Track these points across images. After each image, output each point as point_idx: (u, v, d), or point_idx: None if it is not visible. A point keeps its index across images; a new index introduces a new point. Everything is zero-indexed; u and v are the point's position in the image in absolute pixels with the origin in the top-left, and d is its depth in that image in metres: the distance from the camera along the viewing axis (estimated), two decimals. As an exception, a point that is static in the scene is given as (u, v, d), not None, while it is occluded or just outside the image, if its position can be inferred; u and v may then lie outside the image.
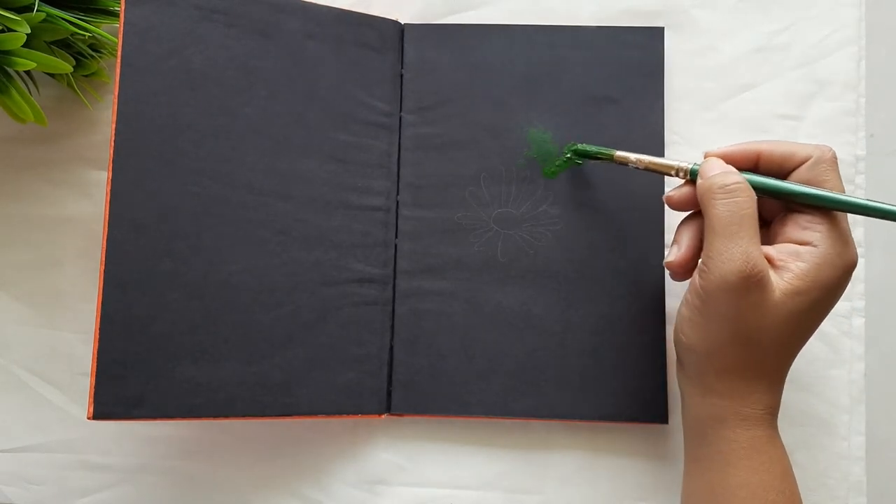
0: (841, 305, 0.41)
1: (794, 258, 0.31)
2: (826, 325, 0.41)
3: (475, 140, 0.41)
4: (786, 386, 0.40)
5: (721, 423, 0.33)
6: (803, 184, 0.32)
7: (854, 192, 0.42)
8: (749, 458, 0.32)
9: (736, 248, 0.31)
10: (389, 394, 0.39)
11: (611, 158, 0.38)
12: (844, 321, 0.41)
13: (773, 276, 0.31)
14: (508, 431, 0.41)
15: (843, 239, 0.32)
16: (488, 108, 0.41)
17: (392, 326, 0.40)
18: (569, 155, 0.40)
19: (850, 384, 0.40)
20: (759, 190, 0.33)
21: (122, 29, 0.36)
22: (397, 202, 0.41)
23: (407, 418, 0.40)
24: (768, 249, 0.32)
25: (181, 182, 0.36)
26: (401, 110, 0.41)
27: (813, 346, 0.41)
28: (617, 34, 0.41)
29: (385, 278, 0.40)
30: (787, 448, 0.40)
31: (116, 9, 0.40)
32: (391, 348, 0.40)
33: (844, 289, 0.32)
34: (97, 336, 0.34)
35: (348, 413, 0.38)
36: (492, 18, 0.43)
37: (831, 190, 0.32)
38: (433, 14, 0.44)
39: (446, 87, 0.41)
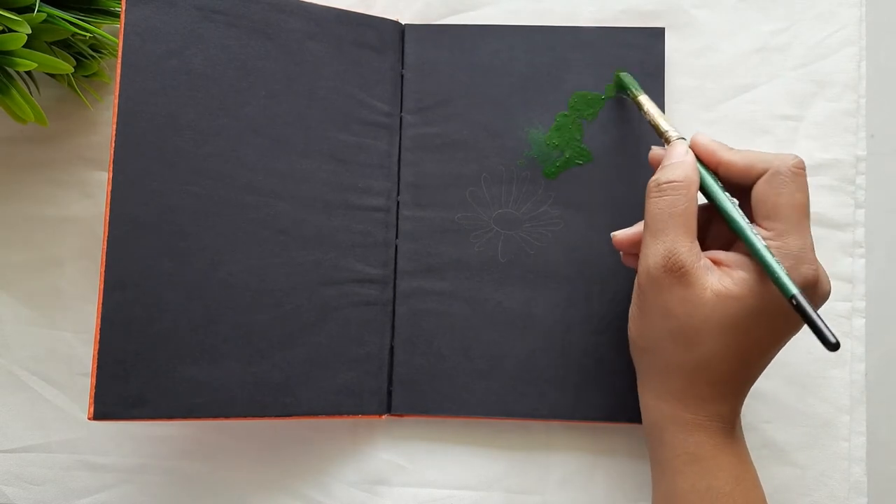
0: (841, 305, 0.41)
1: (738, 266, 0.31)
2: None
3: (475, 140, 0.41)
4: (786, 386, 0.40)
5: (665, 428, 0.33)
6: (759, 197, 0.32)
7: (854, 192, 0.42)
8: (696, 464, 0.32)
9: (660, 244, 0.31)
10: (389, 394, 0.39)
11: (635, 97, 0.38)
12: (845, 321, 0.41)
13: (711, 277, 0.31)
14: (508, 432, 0.41)
15: (797, 258, 0.30)
16: (488, 109, 0.41)
17: (392, 326, 0.40)
18: (616, 78, 0.41)
19: (851, 385, 0.40)
20: (704, 192, 0.33)
21: (122, 29, 0.36)
22: (397, 202, 0.41)
23: (407, 418, 0.40)
24: (719, 254, 0.32)
25: (181, 182, 0.36)
26: (401, 110, 0.41)
27: (813, 347, 0.41)
28: (617, 34, 0.41)
29: (385, 278, 0.40)
30: (787, 448, 0.40)
31: (117, 9, 0.40)
32: (391, 348, 0.40)
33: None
34: (97, 336, 0.34)
35: (348, 413, 0.38)
36: (492, 19, 0.43)
37: (783, 205, 0.31)
38: (433, 14, 0.44)
39: (447, 88, 0.41)
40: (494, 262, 0.40)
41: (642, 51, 0.41)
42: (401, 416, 0.39)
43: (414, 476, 0.40)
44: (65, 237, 0.42)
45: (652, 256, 0.32)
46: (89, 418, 0.34)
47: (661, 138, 0.36)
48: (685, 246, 0.31)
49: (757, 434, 0.40)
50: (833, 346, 0.27)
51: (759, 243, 0.30)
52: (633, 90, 0.39)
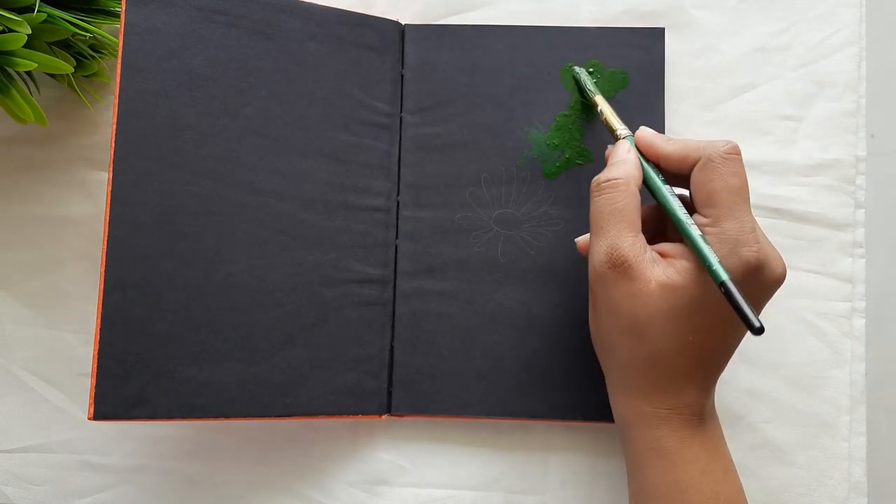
0: (841, 306, 0.41)
1: (681, 256, 0.31)
2: (826, 326, 0.41)
3: (475, 140, 0.41)
4: (786, 386, 0.40)
5: (631, 423, 0.33)
6: (694, 186, 0.32)
7: (854, 192, 0.42)
8: (662, 458, 0.32)
9: (603, 241, 0.32)
10: (390, 394, 0.39)
11: (590, 98, 0.39)
12: (845, 321, 0.41)
13: (656, 269, 0.31)
14: (508, 432, 0.41)
15: (735, 241, 0.30)
16: (489, 109, 0.41)
17: (392, 327, 0.40)
18: (570, 71, 0.41)
19: (851, 385, 0.40)
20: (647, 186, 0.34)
21: (122, 29, 0.36)
22: (398, 203, 0.41)
23: (407, 418, 0.40)
24: (665, 246, 0.33)
25: (181, 182, 0.36)
26: (401, 111, 0.41)
27: (813, 347, 0.41)
28: (617, 35, 0.41)
29: (385, 279, 0.40)
30: (787, 448, 0.40)
31: (117, 9, 0.40)
32: (391, 349, 0.40)
33: (758, 296, 0.31)
34: (97, 336, 0.34)
35: (348, 413, 0.38)
36: (492, 19, 0.43)
37: (717, 190, 0.31)
38: (433, 15, 0.44)
39: (447, 88, 0.41)
40: (494, 262, 0.40)
41: (642, 51, 0.41)
42: (401, 416, 0.39)
43: (414, 476, 0.40)
44: (65, 237, 0.42)
45: (597, 254, 0.32)
46: (89, 418, 0.34)
47: (613, 136, 0.37)
48: (627, 240, 0.31)
49: (757, 434, 0.40)
50: (757, 331, 0.28)
51: (694, 231, 0.31)
52: (589, 90, 0.39)
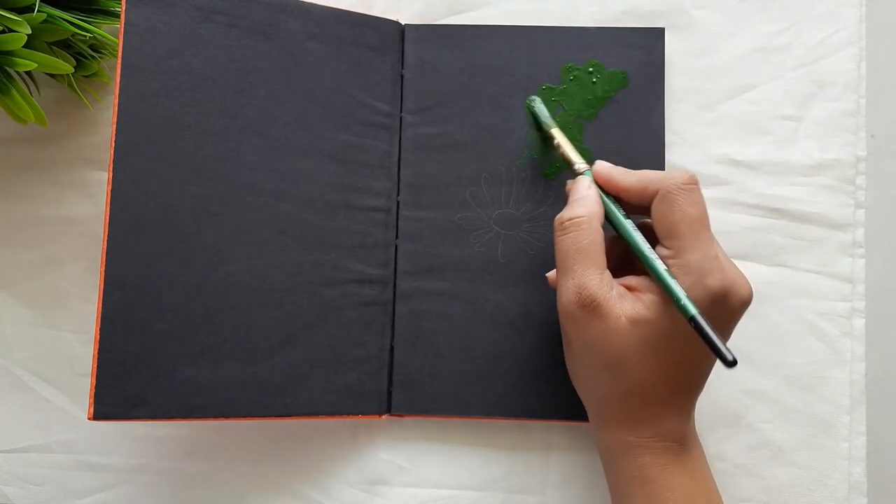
0: (841, 306, 0.41)
1: (648, 289, 0.32)
2: (826, 326, 0.41)
3: (475, 140, 0.41)
4: (786, 386, 0.40)
5: (614, 454, 0.34)
6: (655, 218, 0.32)
7: (854, 192, 0.42)
8: (646, 486, 0.32)
9: (570, 281, 0.32)
10: (389, 394, 0.39)
11: (548, 130, 0.38)
12: (845, 322, 0.41)
13: (625, 304, 0.31)
14: (508, 432, 0.41)
15: (700, 272, 0.30)
16: (488, 109, 0.41)
17: (392, 327, 0.40)
18: (528, 103, 0.40)
19: (851, 385, 0.40)
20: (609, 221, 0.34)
21: (122, 29, 0.36)
22: (398, 203, 0.41)
23: (407, 418, 0.40)
24: (631, 279, 0.33)
25: (181, 182, 0.36)
26: (401, 111, 0.41)
27: (813, 347, 0.41)
28: (617, 35, 0.41)
29: (385, 279, 0.40)
30: (787, 448, 0.40)
31: (117, 9, 0.40)
32: (391, 349, 0.40)
33: (726, 322, 0.32)
34: (97, 336, 0.34)
35: (348, 413, 0.38)
36: (492, 19, 0.43)
37: (677, 222, 0.31)
38: (434, 15, 0.44)
39: (447, 88, 0.41)
40: (494, 262, 0.40)
41: (642, 51, 0.41)
42: (401, 416, 0.39)
43: (414, 476, 0.40)
44: (65, 237, 0.42)
45: (565, 294, 0.32)
46: (89, 418, 0.34)
47: (571, 171, 0.36)
48: (594, 279, 0.31)
49: (757, 434, 0.40)
50: (730, 364, 0.28)
51: (659, 266, 0.31)
52: (545, 123, 0.39)
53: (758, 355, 0.41)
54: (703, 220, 0.31)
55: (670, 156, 0.42)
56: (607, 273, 0.32)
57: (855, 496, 0.40)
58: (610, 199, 0.34)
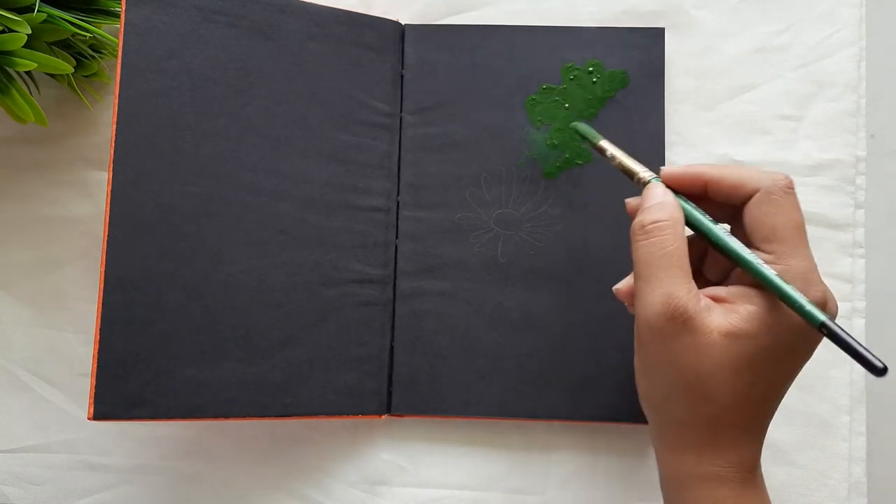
0: (841, 306, 0.41)
1: (743, 300, 0.29)
2: (826, 326, 0.41)
3: (475, 141, 0.41)
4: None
5: (683, 484, 0.31)
6: (754, 220, 0.30)
7: (854, 192, 0.42)
8: None
9: (656, 290, 0.29)
10: (389, 394, 0.39)
11: (594, 144, 0.36)
12: (845, 322, 0.41)
13: (715, 317, 0.28)
14: (508, 432, 0.41)
15: (804, 281, 0.28)
16: (488, 109, 0.41)
17: (392, 327, 0.40)
18: (573, 130, 0.39)
19: (851, 385, 0.40)
20: (692, 227, 0.31)
21: (122, 29, 0.36)
22: (398, 203, 0.41)
23: (407, 419, 0.40)
24: (719, 290, 0.30)
25: (181, 182, 0.36)
26: (401, 111, 0.41)
27: (813, 347, 0.41)
28: (617, 35, 0.41)
29: (385, 279, 0.40)
30: (787, 448, 0.40)
31: (117, 9, 0.40)
32: (391, 349, 0.40)
33: (810, 339, 0.29)
34: (97, 336, 0.34)
35: (348, 413, 0.38)
36: (492, 19, 0.43)
37: (781, 226, 0.29)
38: (433, 15, 0.44)
39: (447, 88, 0.41)
40: (494, 262, 0.40)
41: (642, 51, 0.41)
42: (401, 416, 0.39)
43: (414, 476, 0.40)
44: (65, 237, 0.42)
45: (650, 306, 0.29)
46: (89, 418, 0.34)
47: (633, 182, 0.33)
48: (683, 288, 0.29)
49: (757, 434, 0.40)
50: (880, 372, 0.25)
51: (768, 270, 0.28)
52: (591, 137, 0.36)
53: (758, 355, 0.40)
54: (804, 227, 0.29)
55: (670, 156, 0.42)
56: (693, 283, 0.29)
57: (855, 496, 0.40)
58: (691, 205, 0.31)
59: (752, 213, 0.30)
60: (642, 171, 0.33)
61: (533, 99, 0.41)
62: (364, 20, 0.41)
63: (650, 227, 0.30)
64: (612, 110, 0.41)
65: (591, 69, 0.41)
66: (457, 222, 0.40)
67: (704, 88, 0.43)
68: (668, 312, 0.28)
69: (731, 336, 0.28)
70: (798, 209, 0.30)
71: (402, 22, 0.42)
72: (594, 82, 0.41)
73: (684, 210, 0.31)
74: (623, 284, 0.33)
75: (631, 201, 0.33)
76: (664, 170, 0.32)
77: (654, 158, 0.40)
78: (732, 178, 0.30)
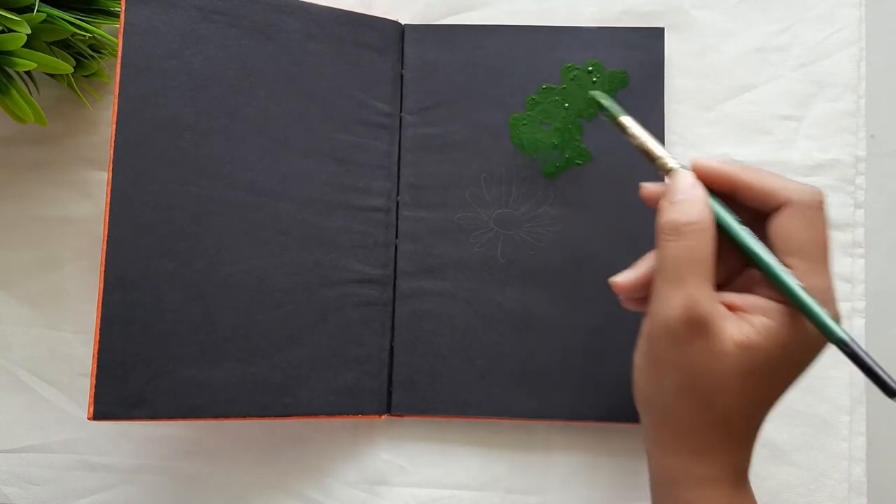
0: (841, 306, 0.41)
1: (758, 312, 0.29)
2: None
3: (475, 141, 0.41)
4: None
5: (677, 484, 0.31)
6: (783, 231, 0.29)
7: (854, 192, 0.42)
8: None
9: (679, 293, 0.28)
10: (389, 394, 0.39)
11: (615, 119, 0.34)
12: (845, 322, 0.41)
13: (730, 326, 0.28)
14: (508, 432, 0.41)
15: (823, 300, 0.28)
16: (488, 109, 0.41)
17: (392, 327, 0.40)
18: (593, 99, 0.38)
19: (851, 385, 0.40)
20: (722, 230, 0.30)
21: (122, 29, 0.36)
22: (397, 203, 0.41)
23: (407, 419, 0.40)
24: (733, 297, 0.30)
25: (181, 182, 0.36)
26: (401, 111, 0.41)
27: (813, 347, 0.41)
28: (617, 35, 0.41)
29: (385, 279, 0.40)
30: (787, 448, 0.40)
31: (117, 9, 0.40)
32: (391, 349, 0.40)
33: (817, 353, 0.30)
34: (97, 336, 0.34)
35: (348, 413, 0.38)
36: (492, 19, 0.43)
37: (811, 242, 0.29)
38: (433, 15, 0.44)
39: (447, 88, 0.41)
40: (494, 262, 0.40)
41: (642, 51, 0.41)
42: (401, 416, 0.39)
43: (414, 476, 0.40)
44: (65, 237, 0.42)
45: (670, 308, 0.28)
46: (89, 418, 0.34)
47: (656, 167, 0.31)
48: (706, 294, 0.28)
49: (757, 434, 0.40)
50: (894, 395, 0.25)
51: (794, 284, 0.28)
52: (612, 111, 0.34)
53: (758, 355, 0.40)
54: (829, 246, 0.29)
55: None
56: (714, 288, 0.29)
57: (855, 496, 0.40)
58: (720, 204, 0.30)
59: (781, 224, 0.29)
60: (666, 157, 0.31)
61: (533, 99, 0.41)
62: (364, 20, 0.41)
63: (685, 229, 0.29)
64: (612, 110, 0.41)
65: (591, 69, 0.41)
66: (457, 222, 0.40)
67: (704, 88, 0.43)
68: (688, 317, 0.28)
69: (744, 347, 0.28)
70: (827, 227, 0.29)
71: (402, 22, 0.42)
72: (594, 82, 0.41)
73: (715, 211, 0.29)
74: (620, 278, 0.32)
75: (650, 187, 0.32)
76: (698, 161, 0.30)
77: (654, 158, 0.40)
78: (765, 185, 0.29)
